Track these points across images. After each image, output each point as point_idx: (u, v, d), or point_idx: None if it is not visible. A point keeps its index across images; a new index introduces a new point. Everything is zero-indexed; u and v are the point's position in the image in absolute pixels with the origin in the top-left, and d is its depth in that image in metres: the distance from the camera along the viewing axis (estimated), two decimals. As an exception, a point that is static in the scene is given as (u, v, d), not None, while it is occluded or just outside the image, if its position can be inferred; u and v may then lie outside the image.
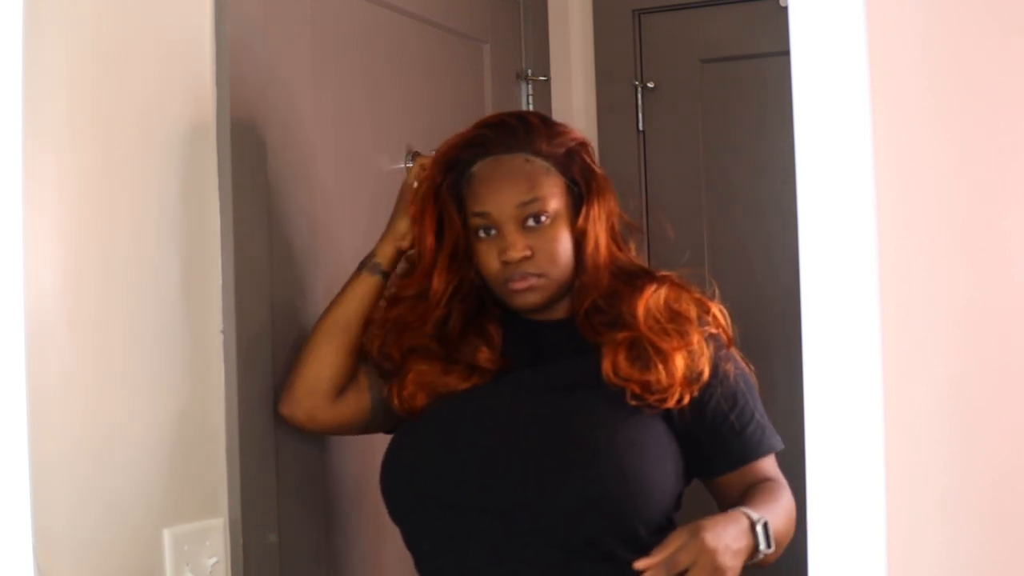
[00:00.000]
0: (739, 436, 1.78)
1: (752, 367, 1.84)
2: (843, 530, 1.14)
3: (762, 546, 1.66)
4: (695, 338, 1.76)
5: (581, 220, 1.79)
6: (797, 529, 1.75)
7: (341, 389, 1.84)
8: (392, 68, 2.24)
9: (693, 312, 1.79)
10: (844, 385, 1.14)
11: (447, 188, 1.82)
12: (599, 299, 1.78)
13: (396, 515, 1.80)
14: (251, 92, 1.83)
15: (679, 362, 1.74)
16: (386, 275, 1.86)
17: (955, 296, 1.14)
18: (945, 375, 1.13)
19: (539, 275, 1.77)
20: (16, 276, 1.39)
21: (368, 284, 1.86)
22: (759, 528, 1.66)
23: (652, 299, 1.77)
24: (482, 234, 1.79)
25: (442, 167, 1.83)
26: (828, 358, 1.14)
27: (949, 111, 1.14)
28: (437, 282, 1.82)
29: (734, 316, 1.83)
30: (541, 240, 1.77)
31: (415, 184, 1.86)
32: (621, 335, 1.75)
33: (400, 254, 1.87)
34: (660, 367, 1.73)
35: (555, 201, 1.78)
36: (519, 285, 1.77)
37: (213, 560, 1.72)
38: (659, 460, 1.72)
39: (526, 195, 1.77)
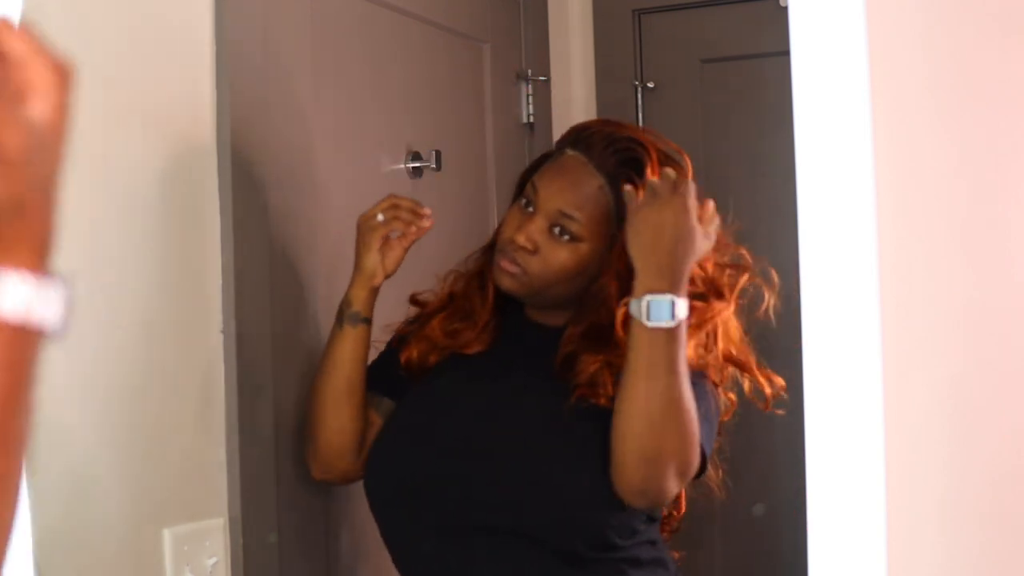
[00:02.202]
0: None
1: (731, 404, 1.82)
2: (843, 530, 1.14)
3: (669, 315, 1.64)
4: None
5: (607, 264, 1.77)
6: (797, 528, 1.74)
7: (364, 440, 1.85)
8: (392, 68, 2.24)
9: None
10: (844, 385, 1.14)
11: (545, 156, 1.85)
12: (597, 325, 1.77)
13: (373, 508, 1.83)
14: (251, 92, 1.83)
15: None
16: (368, 321, 1.83)
17: (955, 296, 1.14)
18: (945, 375, 1.13)
19: (525, 271, 1.78)
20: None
21: (356, 337, 1.82)
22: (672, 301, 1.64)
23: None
24: (523, 202, 1.80)
25: (558, 141, 1.85)
26: (828, 358, 1.14)
27: (949, 111, 1.14)
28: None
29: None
30: (551, 250, 1.77)
31: (379, 218, 1.80)
32: (596, 360, 1.74)
33: (375, 293, 1.82)
34: None
35: (589, 231, 1.76)
36: (504, 263, 1.79)
37: (213, 560, 1.72)
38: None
39: (572, 209, 1.76)
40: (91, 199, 1.58)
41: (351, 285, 1.83)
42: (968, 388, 1.13)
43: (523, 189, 1.83)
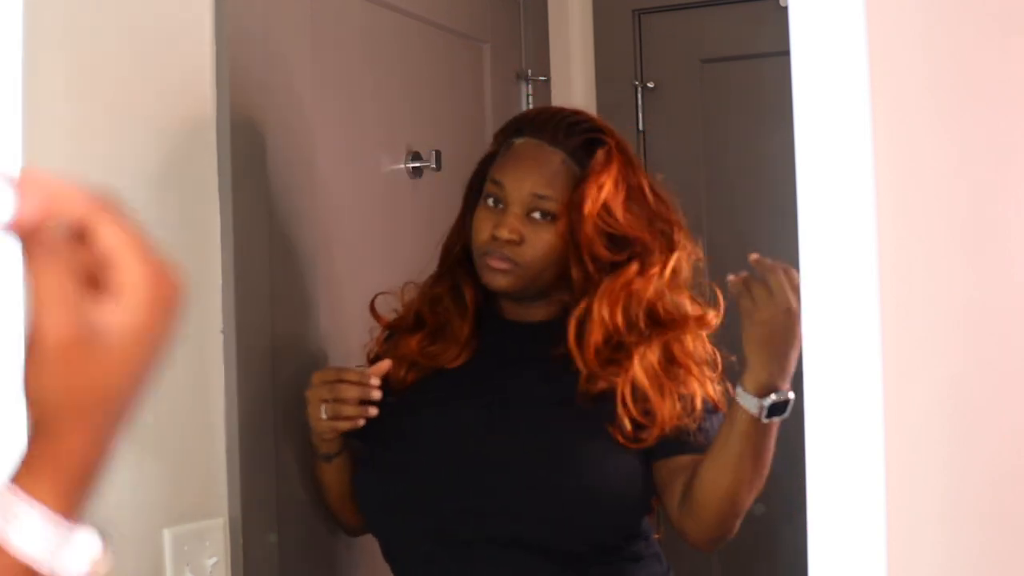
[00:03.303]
0: (697, 430, 1.76)
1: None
2: (843, 530, 1.14)
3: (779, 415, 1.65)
4: (693, 386, 1.76)
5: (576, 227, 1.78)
6: (797, 528, 1.75)
7: None
8: (392, 68, 2.24)
9: (691, 363, 1.78)
10: (844, 385, 1.14)
11: (489, 156, 1.87)
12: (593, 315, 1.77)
13: (373, 521, 1.86)
14: (251, 91, 1.83)
15: (667, 410, 1.74)
16: (341, 452, 1.86)
17: (955, 296, 1.14)
18: (945, 375, 1.13)
19: (517, 263, 1.78)
20: (17, 275, 1.39)
21: (335, 467, 1.87)
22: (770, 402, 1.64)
23: (646, 363, 1.75)
24: (490, 202, 1.81)
25: (497, 136, 1.89)
26: (828, 358, 1.14)
27: (949, 111, 1.14)
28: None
29: (734, 317, 1.83)
30: (535, 235, 1.78)
31: (323, 415, 1.79)
32: (622, 383, 1.74)
33: (337, 439, 1.84)
34: (655, 413, 1.74)
35: (565, 206, 1.77)
36: (495, 263, 1.78)
37: (213, 560, 1.71)
38: (623, 472, 1.74)
39: (543, 189, 1.77)
40: (91, 199, 1.58)
41: (314, 438, 1.85)
42: (968, 388, 1.13)
43: (480, 191, 1.83)
